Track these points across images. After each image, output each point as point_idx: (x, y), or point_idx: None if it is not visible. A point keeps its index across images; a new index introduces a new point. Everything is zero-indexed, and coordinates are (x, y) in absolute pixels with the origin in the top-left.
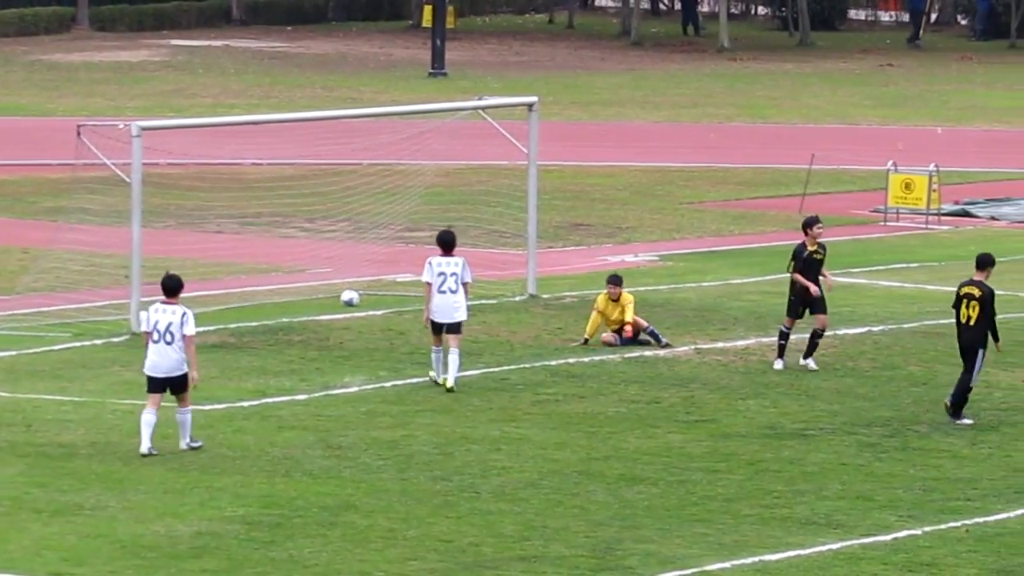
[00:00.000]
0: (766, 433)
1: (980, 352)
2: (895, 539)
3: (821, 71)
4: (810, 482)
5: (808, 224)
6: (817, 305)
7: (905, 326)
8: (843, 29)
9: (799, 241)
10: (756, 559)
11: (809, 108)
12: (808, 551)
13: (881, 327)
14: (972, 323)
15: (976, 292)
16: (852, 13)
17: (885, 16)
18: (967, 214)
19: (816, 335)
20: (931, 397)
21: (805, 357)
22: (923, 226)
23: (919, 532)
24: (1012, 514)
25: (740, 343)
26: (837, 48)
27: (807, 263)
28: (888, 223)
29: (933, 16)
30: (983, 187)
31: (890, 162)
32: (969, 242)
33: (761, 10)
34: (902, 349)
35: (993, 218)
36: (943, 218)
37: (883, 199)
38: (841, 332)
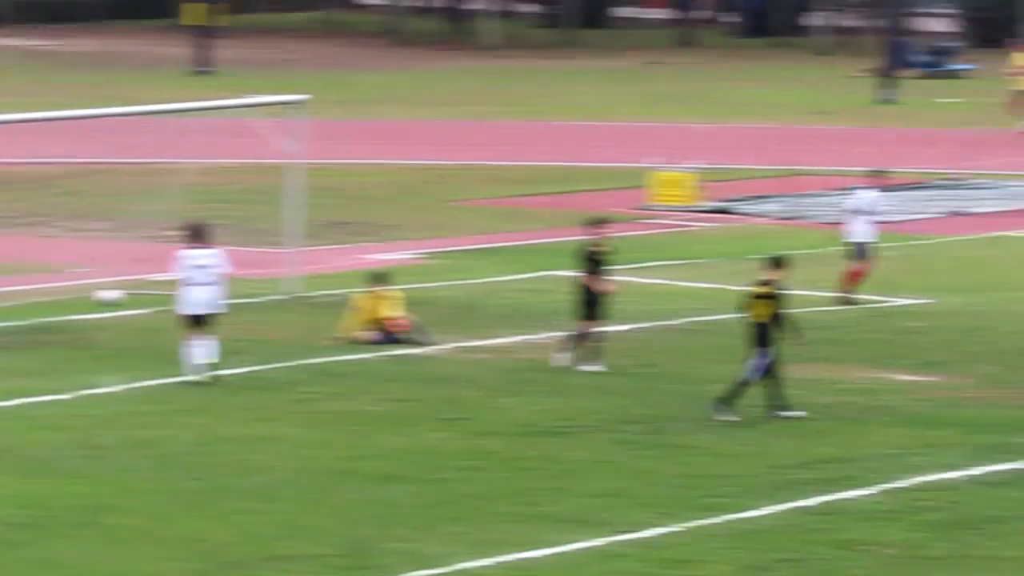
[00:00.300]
0: (525, 431)
1: (763, 351)
2: (652, 536)
3: (588, 69)
4: (568, 479)
5: (593, 223)
6: (598, 309)
7: (665, 323)
8: (610, 26)
9: (571, 239)
10: (514, 557)
11: (576, 106)
12: (566, 548)
13: (643, 324)
14: (761, 321)
15: (766, 291)
16: (619, 10)
17: (652, 13)
18: (730, 211)
19: (596, 339)
20: (691, 394)
21: (587, 363)
22: (687, 223)
23: (676, 529)
24: (767, 510)
25: (502, 341)
26: (604, 46)
27: (594, 263)
28: (652, 220)
29: (701, 13)
30: (747, 184)
31: (654, 159)
32: (732, 239)
33: (527, 8)
34: (662, 346)
35: (756, 215)
36: (706, 215)
37: (647, 196)
38: (603, 329)
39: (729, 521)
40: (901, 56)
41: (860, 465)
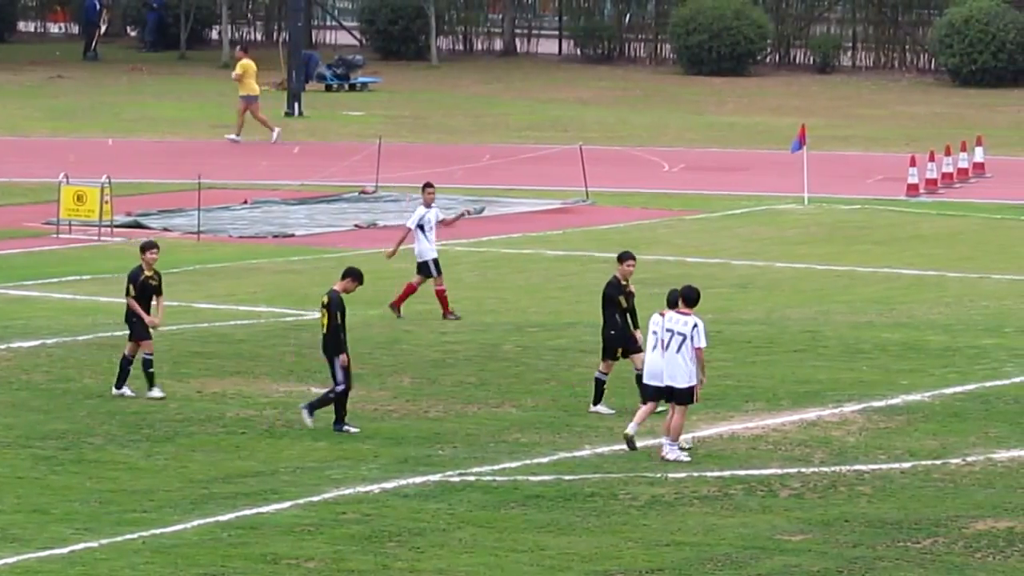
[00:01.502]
0: None
1: (335, 360)
2: (72, 552)
3: None
4: None
5: (144, 248)
6: (143, 332)
7: (79, 338)
8: (13, 41)
9: None
10: None
11: None
12: None
13: (55, 339)
14: (324, 330)
15: (325, 300)
16: (21, 25)
17: (55, 28)
18: (140, 225)
19: (134, 362)
20: (106, 409)
21: (149, 388)
22: (96, 238)
23: (96, 544)
24: (188, 525)
25: None
26: (7, 60)
27: (143, 288)
28: (61, 235)
29: (104, 27)
30: (155, 198)
31: (62, 174)
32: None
33: None
34: (76, 361)
35: (166, 229)
36: (116, 230)
37: (55, 211)
38: (15, 345)
39: (149, 536)
40: (308, 69)
41: (278, 479)
